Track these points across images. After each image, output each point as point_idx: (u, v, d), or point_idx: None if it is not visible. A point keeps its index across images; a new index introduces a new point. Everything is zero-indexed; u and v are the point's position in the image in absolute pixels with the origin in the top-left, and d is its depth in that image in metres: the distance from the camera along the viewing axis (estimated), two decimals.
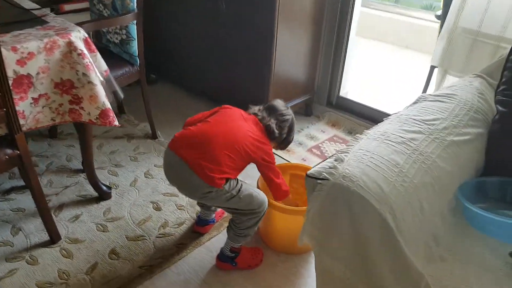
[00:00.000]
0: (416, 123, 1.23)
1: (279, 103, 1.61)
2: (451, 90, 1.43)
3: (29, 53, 1.37)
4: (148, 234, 1.73)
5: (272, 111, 1.57)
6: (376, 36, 4.60)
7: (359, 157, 1.08)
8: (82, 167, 2.07)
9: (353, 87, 3.03)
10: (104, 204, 1.88)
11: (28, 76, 1.40)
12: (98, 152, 2.24)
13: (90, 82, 1.51)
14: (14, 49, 1.34)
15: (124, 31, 1.98)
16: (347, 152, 1.11)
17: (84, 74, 1.50)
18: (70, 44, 1.45)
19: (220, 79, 2.63)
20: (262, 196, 1.49)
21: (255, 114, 1.53)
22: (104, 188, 1.89)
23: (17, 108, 1.41)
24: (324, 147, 2.42)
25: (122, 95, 1.77)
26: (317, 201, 1.05)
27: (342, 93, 2.78)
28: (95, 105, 1.55)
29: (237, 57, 2.44)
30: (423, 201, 1.07)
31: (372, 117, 2.56)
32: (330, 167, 1.05)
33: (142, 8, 1.96)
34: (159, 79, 3.05)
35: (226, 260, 1.58)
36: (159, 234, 1.74)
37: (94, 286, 1.50)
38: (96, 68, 1.62)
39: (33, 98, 1.44)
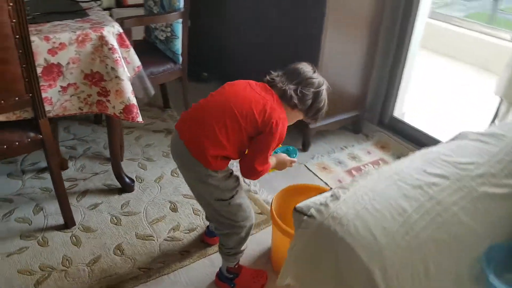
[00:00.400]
0: (444, 165, 1.05)
1: (304, 66, 1.35)
2: (501, 129, 1.21)
3: (60, 44, 1.41)
4: (157, 235, 1.71)
5: (293, 75, 1.32)
6: (448, 52, 4.22)
7: (360, 196, 0.94)
8: None
9: (412, 107, 2.78)
10: (124, 196, 1.90)
11: (58, 65, 1.44)
12: (134, 143, 2.28)
13: (117, 77, 1.52)
14: (47, 39, 1.38)
15: (169, 29, 1.99)
16: (347, 189, 0.97)
17: (112, 68, 1.51)
18: (102, 38, 1.47)
19: None
20: (250, 209, 1.39)
21: (268, 81, 1.33)
22: (127, 180, 1.91)
23: (45, 94, 1.46)
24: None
25: (153, 91, 1.76)
26: (302, 239, 0.93)
27: (398, 113, 2.55)
28: (120, 100, 1.56)
29: (283, 59, 2.33)
30: (429, 261, 0.90)
31: (428, 144, 2.30)
32: (321, 204, 0.93)
33: (189, 8, 1.95)
34: (211, 77, 3.05)
35: (225, 280, 1.49)
36: (168, 237, 1.71)
37: (91, 279, 1.51)
38: (129, 63, 1.63)
39: (61, 87, 1.48)
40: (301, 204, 0.95)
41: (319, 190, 1.67)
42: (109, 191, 1.93)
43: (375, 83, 2.46)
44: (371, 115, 2.56)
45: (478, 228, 0.97)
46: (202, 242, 1.70)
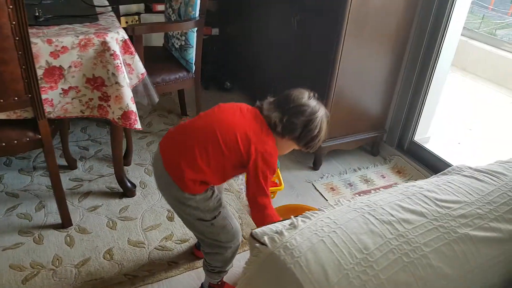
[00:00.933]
0: (424, 201, 0.96)
1: (298, 93, 1.27)
2: (502, 167, 1.09)
3: (62, 47, 1.45)
4: (149, 243, 1.71)
5: (283, 101, 1.25)
6: (495, 79, 3.96)
7: (319, 227, 0.87)
8: (123, 160, 2.15)
9: (439, 131, 2.62)
10: (125, 201, 1.92)
11: (60, 68, 1.48)
12: (145, 148, 2.31)
13: (117, 83, 1.54)
14: (49, 42, 1.43)
15: (183, 38, 2.00)
16: (309, 218, 0.91)
17: (113, 74, 1.53)
18: (104, 44, 1.50)
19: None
20: (235, 230, 1.34)
21: (258, 107, 1.29)
22: (129, 185, 1.93)
23: (46, 96, 1.50)
24: None
25: (157, 99, 1.78)
26: (253, 266, 0.88)
27: (421, 137, 2.41)
28: (119, 106, 1.57)
29: (301, 73, 2.29)
30: None
31: None
32: (276, 231, 0.87)
33: (205, 17, 1.96)
34: (234, 87, 3.05)
35: None
36: (159, 245, 1.70)
37: (76, 281, 1.52)
38: (133, 70, 1.66)
39: (63, 89, 1.52)
40: (258, 230, 0.90)
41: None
42: (111, 194, 1.96)
43: (397, 103, 2.34)
44: (390, 137, 2.44)
45: (452, 274, 0.87)
46: (192, 255, 1.67)
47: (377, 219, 0.90)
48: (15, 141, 1.49)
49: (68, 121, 2.35)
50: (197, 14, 1.94)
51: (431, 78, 2.20)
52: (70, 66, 1.49)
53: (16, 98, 1.41)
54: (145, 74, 1.69)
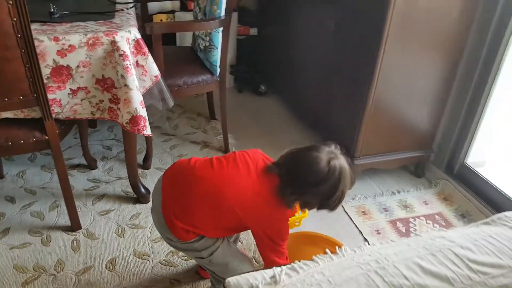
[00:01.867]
0: (452, 261, 0.75)
1: (310, 160, 1.05)
2: None
3: (70, 46, 1.37)
4: (154, 256, 1.60)
5: (293, 174, 1.07)
6: None
7: (308, 285, 0.69)
8: (142, 163, 2.07)
9: (496, 156, 2.27)
10: (137, 207, 1.83)
11: (68, 67, 1.41)
12: (168, 152, 2.22)
13: (126, 85, 1.44)
14: (56, 39, 1.36)
15: (207, 38, 1.87)
16: (297, 272, 0.73)
17: (122, 76, 1.43)
18: (114, 43, 1.41)
19: (318, 106, 2.31)
20: (242, 269, 1.17)
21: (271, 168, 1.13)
22: (143, 191, 1.84)
23: (53, 96, 1.44)
24: (415, 226, 1.85)
25: (172, 103, 1.66)
26: None
27: (474, 160, 2.09)
28: (127, 109, 1.48)
29: (337, 80, 2.08)
30: None
31: (504, 208, 1.84)
32: (252, 286, 0.70)
33: (230, 17, 1.81)
34: (269, 91, 2.88)
35: None
36: (164, 260, 1.58)
37: (76, 287, 1.45)
38: (146, 72, 1.55)
39: (71, 89, 1.45)
40: (233, 279, 0.74)
41: (330, 245, 1.40)
42: (125, 199, 1.88)
43: (447, 120, 2.05)
44: (438, 158, 2.15)
45: None
46: (196, 273, 1.54)
47: (385, 281, 0.70)
48: (22, 141, 1.44)
49: (94, 121, 2.32)
50: (222, 13, 1.79)
51: (490, 92, 1.89)
52: (78, 66, 1.41)
53: (21, 97, 1.35)
54: (159, 77, 1.58)
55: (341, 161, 1.06)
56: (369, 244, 1.68)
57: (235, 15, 2.73)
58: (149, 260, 1.58)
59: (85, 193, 1.90)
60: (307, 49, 2.35)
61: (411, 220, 1.88)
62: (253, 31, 2.95)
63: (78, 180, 1.97)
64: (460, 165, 2.08)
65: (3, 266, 1.51)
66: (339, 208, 1.88)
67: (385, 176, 2.16)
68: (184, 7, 2.68)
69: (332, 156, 1.06)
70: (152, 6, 2.60)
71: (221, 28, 1.84)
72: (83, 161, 2.07)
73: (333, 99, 2.12)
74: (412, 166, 2.21)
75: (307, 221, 1.81)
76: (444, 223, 1.87)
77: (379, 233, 1.79)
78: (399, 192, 2.06)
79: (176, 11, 2.66)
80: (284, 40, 2.60)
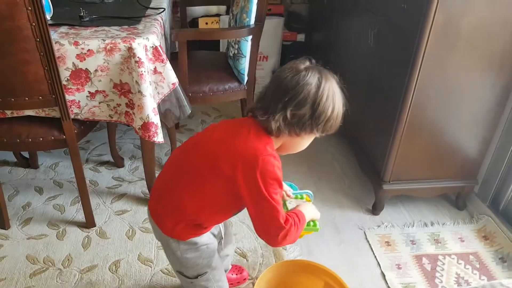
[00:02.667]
0: None
1: (289, 73, 0.94)
2: None
3: (88, 50, 1.41)
4: (157, 263, 1.59)
5: (276, 95, 0.94)
6: None
7: None
8: None
9: None
10: None
11: (86, 71, 1.44)
12: None
13: (140, 92, 1.45)
14: (76, 44, 1.39)
15: (236, 46, 1.83)
16: None
17: (137, 82, 1.44)
18: (130, 49, 1.42)
19: (354, 121, 2.16)
20: None
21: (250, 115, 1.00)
22: None
23: (72, 97, 1.49)
24: (443, 265, 1.66)
25: (189, 110, 1.64)
26: None
27: None
28: (140, 116, 1.48)
29: (370, 97, 1.95)
30: None
31: None
32: None
33: (263, 25, 1.76)
34: None
35: None
36: (166, 268, 1.57)
37: (75, 287, 1.48)
38: (164, 79, 1.55)
39: (89, 92, 1.49)
40: None
41: (331, 278, 1.30)
42: (142, 200, 1.90)
43: (496, 148, 1.82)
44: (484, 190, 1.92)
45: None
46: None
47: None
48: (41, 138, 1.50)
49: None
50: (251, 22, 1.74)
51: None
52: (96, 70, 1.44)
53: (41, 98, 1.40)
54: (177, 84, 1.57)
55: (321, 71, 0.96)
56: (385, 278, 1.54)
57: (281, 21, 2.67)
58: (151, 267, 1.58)
59: (107, 191, 1.95)
60: (348, 59, 2.22)
61: (440, 257, 1.69)
62: (300, 37, 2.86)
63: (103, 177, 2.03)
64: (508, 201, 1.84)
65: (17, 255, 1.59)
66: (361, 235, 1.77)
67: (420, 205, 1.97)
68: (229, 11, 2.66)
69: (310, 66, 0.96)
70: (196, 10, 2.62)
71: (250, 37, 1.79)
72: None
73: (367, 115, 1.98)
74: (454, 195, 2.00)
75: (320, 242, 1.71)
76: (478, 265, 1.65)
77: (399, 268, 1.63)
78: (432, 224, 1.87)
79: (221, 14, 2.65)
80: (328, 48, 2.48)
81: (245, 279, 1.51)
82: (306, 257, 1.64)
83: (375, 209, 1.91)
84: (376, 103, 1.90)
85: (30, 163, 2.07)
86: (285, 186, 1.18)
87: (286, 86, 0.93)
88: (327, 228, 1.80)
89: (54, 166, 2.10)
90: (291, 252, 1.67)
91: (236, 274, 1.51)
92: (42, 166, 2.09)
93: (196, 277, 1.09)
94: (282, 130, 0.94)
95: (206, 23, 2.60)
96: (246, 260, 1.62)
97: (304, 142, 1.02)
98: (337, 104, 0.97)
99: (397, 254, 1.70)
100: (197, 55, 2.20)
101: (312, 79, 0.93)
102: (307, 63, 0.97)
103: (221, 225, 1.24)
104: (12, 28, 1.22)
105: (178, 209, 1.00)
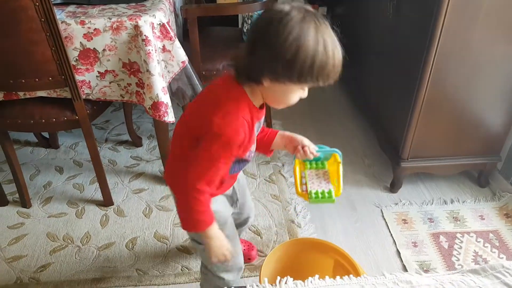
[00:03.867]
0: None
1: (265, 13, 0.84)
2: None
3: (95, 29, 1.40)
4: (172, 240, 1.62)
5: (250, 35, 0.85)
6: None
7: None
8: None
9: None
10: (168, 189, 1.85)
11: (94, 50, 1.44)
12: None
13: (148, 71, 1.44)
14: (82, 23, 1.39)
15: (249, 22, 1.79)
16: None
17: (145, 61, 1.43)
18: (137, 27, 1.40)
19: (374, 98, 2.10)
20: (231, 266, 1.14)
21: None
22: None
23: (82, 78, 1.49)
24: (461, 243, 1.61)
25: (200, 88, 1.62)
26: None
27: None
28: (149, 95, 1.48)
29: (388, 71, 1.88)
30: None
31: None
32: None
33: None
34: None
35: None
36: (181, 245, 1.60)
37: (92, 264, 1.52)
38: (173, 57, 1.53)
39: (99, 72, 1.49)
40: None
41: (341, 256, 1.28)
42: (159, 179, 1.92)
43: None
44: (507, 167, 1.83)
45: None
46: None
47: None
48: (54, 119, 1.53)
49: None
50: None
51: None
52: (104, 49, 1.44)
53: (51, 79, 1.42)
54: (187, 62, 1.55)
55: (304, 12, 0.79)
56: (400, 256, 1.51)
57: None
58: (167, 244, 1.61)
59: (125, 169, 1.98)
60: (369, 33, 2.13)
61: (458, 235, 1.64)
62: (322, 10, 2.76)
63: (122, 157, 2.07)
64: None
65: (38, 233, 1.65)
66: (378, 212, 1.73)
67: (441, 182, 1.91)
68: None
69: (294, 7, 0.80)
70: None
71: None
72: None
73: (386, 91, 1.92)
74: (476, 173, 1.92)
75: (336, 217, 1.70)
76: (498, 244, 1.60)
77: (415, 246, 1.60)
78: (452, 201, 1.81)
79: None
80: (350, 22, 2.38)
81: (249, 259, 1.51)
82: (321, 235, 1.63)
83: (393, 187, 1.86)
84: (395, 78, 1.82)
85: (50, 143, 2.12)
86: (307, 142, 1.08)
87: (255, 22, 0.84)
88: (343, 205, 1.78)
89: (74, 146, 2.14)
90: (306, 230, 1.66)
91: (244, 249, 1.51)
92: (62, 146, 2.14)
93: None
94: (244, 71, 0.85)
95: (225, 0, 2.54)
96: (260, 237, 1.63)
97: (280, 93, 0.87)
98: (306, 44, 0.77)
99: (414, 232, 1.66)
100: (212, 31, 2.16)
101: (277, 7, 0.80)
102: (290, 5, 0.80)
103: (237, 190, 1.20)
104: (16, 8, 1.22)
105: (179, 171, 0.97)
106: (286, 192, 1.85)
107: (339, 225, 1.69)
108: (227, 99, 0.87)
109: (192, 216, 0.95)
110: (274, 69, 0.80)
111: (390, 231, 1.66)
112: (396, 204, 1.80)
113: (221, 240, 1.00)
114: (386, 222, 1.71)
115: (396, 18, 1.75)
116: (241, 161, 1.02)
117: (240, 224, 1.31)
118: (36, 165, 2.02)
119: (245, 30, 1.90)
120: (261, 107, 0.94)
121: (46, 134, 2.13)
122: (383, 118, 1.98)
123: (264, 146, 1.11)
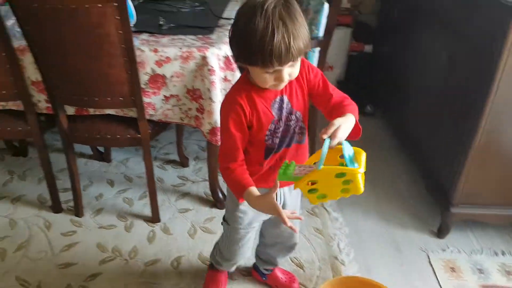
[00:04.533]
0: None
1: None
2: None
3: (166, 57, 1.49)
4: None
5: None
6: None
7: None
8: None
9: None
10: (213, 211, 1.91)
11: (163, 76, 1.53)
12: None
13: (210, 98, 1.51)
14: (155, 51, 1.48)
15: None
16: None
17: (208, 89, 1.50)
18: (204, 58, 1.48)
19: (421, 138, 2.08)
20: (230, 255, 1.36)
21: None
22: (221, 196, 1.91)
23: (149, 100, 1.58)
24: None
25: None
26: None
27: None
28: (209, 120, 1.55)
29: (440, 113, 1.86)
30: None
31: None
32: None
33: (330, 39, 1.76)
34: (376, 112, 2.71)
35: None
36: None
37: (140, 278, 1.57)
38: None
39: (164, 96, 1.57)
40: None
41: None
42: (204, 201, 1.97)
43: None
44: None
45: None
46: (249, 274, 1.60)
47: None
48: (118, 136, 1.62)
49: None
50: (320, 34, 1.74)
51: None
52: (172, 76, 1.52)
53: (122, 99, 1.51)
54: None
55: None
56: None
57: (349, 31, 2.63)
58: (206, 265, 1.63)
59: (172, 188, 2.05)
60: (419, 75, 2.14)
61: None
62: (368, 48, 2.81)
63: (169, 175, 2.14)
64: None
65: (89, 242, 1.72)
66: (425, 258, 1.69)
67: (490, 231, 1.85)
68: None
69: None
70: None
71: (318, 48, 1.79)
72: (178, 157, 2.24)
73: (435, 133, 1.90)
74: None
75: (379, 260, 1.67)
76: None
77: None
78: (504, 254, 1.74)
79: None
80: (397, 61, 2.41)
81: None
82: (365, 275, 1.60)
83: (440, 232, 1.81)
84: (446, 123, 1.81)
85: (104, 157, 2.23)
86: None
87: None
88: (387, 246, 1.75)
89: (125, 161, 2.24)
90: (350, 268, 1.64)
91: (285, 280, 1.53)
92: (114, 161, 2.24)
93: (225, 220, 1.31)
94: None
95: None
96: (303, 270, 1.62)
97: (254, 75, 0.95)
98: (240, 24, 0.88)
99: (463, 282, 1.61)
100: None
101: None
102: None
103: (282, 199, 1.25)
104: (102, 34, 1.34)
105: None
106: (329, 227, 1.84)
107: (383, 266, 1.66)
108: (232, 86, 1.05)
109: (231, 189, 1.08)
110: (234, 54, 0.95)
111: (437, 278, 1.62)
112: (444, 250, 1.75)
113: (261, 201, 0.97)
114: (433, 268, 1.66)
115: (449, 65, 1.75)
116: (267, 148, 1.05)
117: (286, 248, 1.42)
118: (90, 177, 2.12)
119: None
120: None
121: (101, 148, 2.24)
122: (431, 161, 1.95)
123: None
